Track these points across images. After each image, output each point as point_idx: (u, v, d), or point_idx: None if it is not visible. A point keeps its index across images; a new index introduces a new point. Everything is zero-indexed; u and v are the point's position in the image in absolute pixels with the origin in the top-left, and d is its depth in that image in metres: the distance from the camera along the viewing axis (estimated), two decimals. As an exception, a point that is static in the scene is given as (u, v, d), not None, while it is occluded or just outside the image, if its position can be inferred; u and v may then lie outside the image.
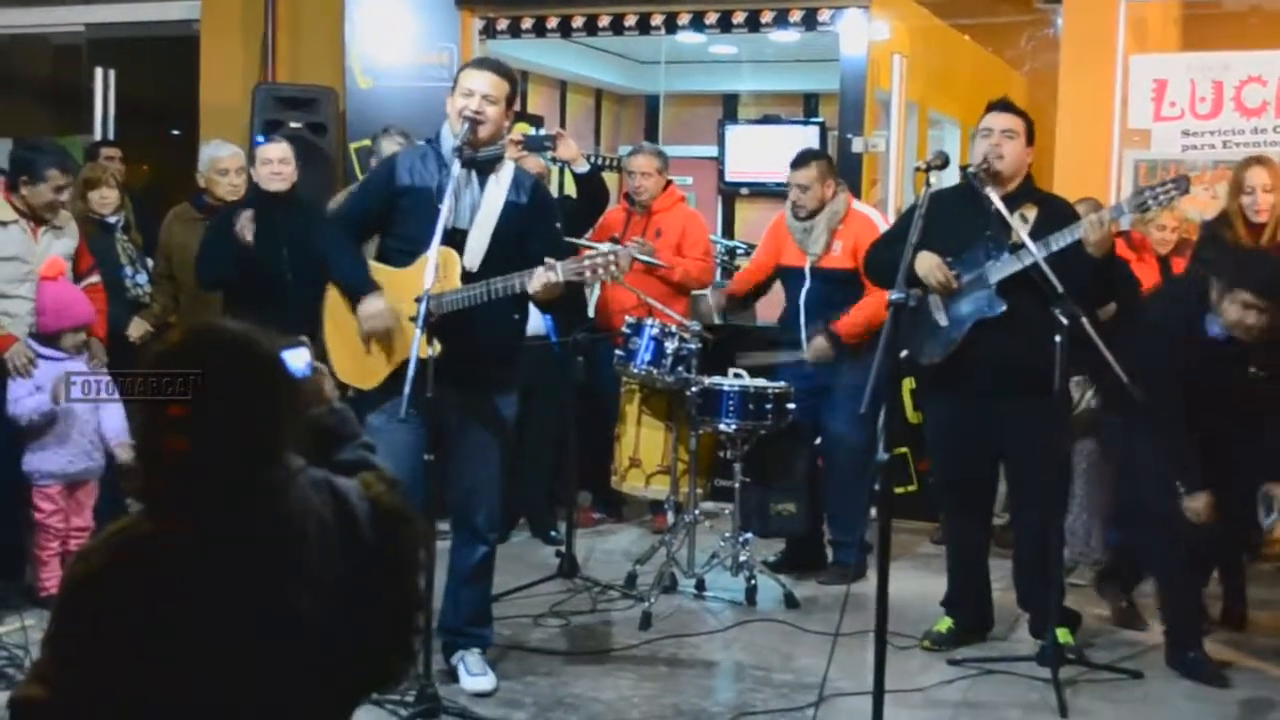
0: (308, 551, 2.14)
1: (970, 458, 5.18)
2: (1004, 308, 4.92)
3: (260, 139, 7.10)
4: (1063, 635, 4.94)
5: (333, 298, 4.80)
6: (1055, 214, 4.98)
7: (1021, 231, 4.83)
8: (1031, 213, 4.97)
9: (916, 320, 5.07)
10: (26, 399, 5.31)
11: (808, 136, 9.12)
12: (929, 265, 4.96)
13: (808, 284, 6.21)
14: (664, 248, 6.72)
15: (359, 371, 4.68)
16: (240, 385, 2.13)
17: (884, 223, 6.32)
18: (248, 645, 2.07)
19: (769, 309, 7.02)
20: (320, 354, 4.24)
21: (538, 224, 4.67)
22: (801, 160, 6.29)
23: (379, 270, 4.66)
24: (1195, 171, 7.08)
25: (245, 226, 5.95)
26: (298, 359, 2.38)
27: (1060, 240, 4.76)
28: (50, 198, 5.47)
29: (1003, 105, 5.10)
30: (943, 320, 5.06)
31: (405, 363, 4.31)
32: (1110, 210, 4.94)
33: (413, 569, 2.35)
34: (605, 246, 4.66)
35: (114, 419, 5.48)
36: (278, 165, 6.11)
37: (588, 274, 4.43)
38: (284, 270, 5.99)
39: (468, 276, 4.50)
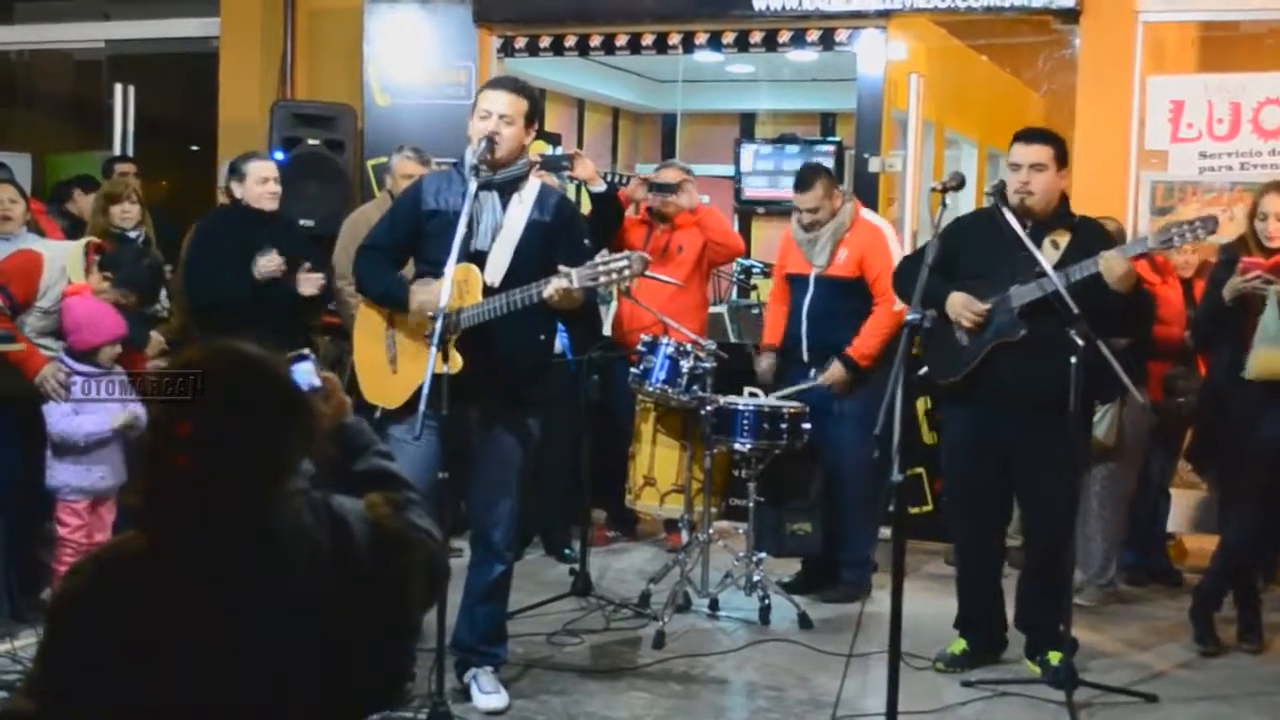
0: (296, 573, 2.13)
1: (983, 475, 5.17)
2: (1024, 332, 4.92)
3: (279, 154, 7.11)
4: (1055, 658, 4.94)
5: (361, 319, 4.86)
6: (1089, 239, 4.96)
7: (1046, 263, 4.81)
8: (1064, 239, 4.96)
9: (937, 340, 5.09)
10: (80, 418, 5.29)
11: (824, 157, 9.13)
12: (959, 307, 4.98)
13: (811, 291, 6.20)
14: (685, 264, 6.74)
15: (385, 391, 4.73)
16: (254, 408, 2.13)
17: (894, 235, 6.33)
18: (235, 664, 2.07)
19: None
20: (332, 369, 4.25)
21: (562, 239, 4.64)
22: (805, 183, 6.18)
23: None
24: (1212, 193, 7.06)
25: (271, 265, 5.94)
26: (306, 373, 2.39)
27: (1080, 272, 4.77)
28: None
29: (1029, 135, 5.07)
30: (964, 340, 5.06)
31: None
32: (1132, 245, 4.95)
33: (409, 595, 2.31)
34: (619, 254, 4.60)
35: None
36: (274, 184, 6.08)
37: (602, 279, 4.40)
38: (267, 288, 5.98)
39: (489, 292, 4.51)
